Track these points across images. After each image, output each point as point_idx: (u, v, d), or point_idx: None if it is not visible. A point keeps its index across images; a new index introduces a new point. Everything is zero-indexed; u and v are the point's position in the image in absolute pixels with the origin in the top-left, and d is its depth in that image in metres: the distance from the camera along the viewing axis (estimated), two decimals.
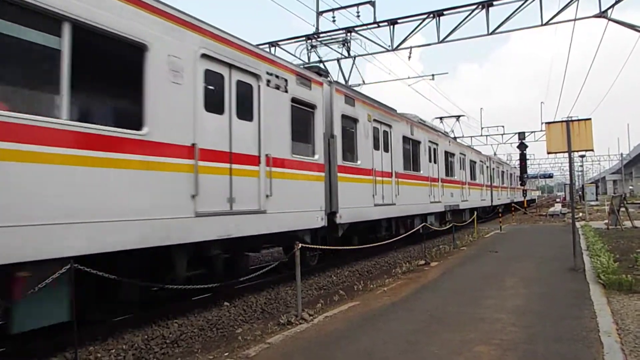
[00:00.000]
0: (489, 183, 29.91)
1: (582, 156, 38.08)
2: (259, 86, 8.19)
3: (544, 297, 7.52)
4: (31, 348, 5.34)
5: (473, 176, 25.32)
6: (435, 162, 18.39)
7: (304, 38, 18.16)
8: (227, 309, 7.61)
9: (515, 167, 45.29)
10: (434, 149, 18.45)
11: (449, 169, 20.56)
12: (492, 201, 30.30)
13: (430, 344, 5.29)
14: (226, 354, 5.43)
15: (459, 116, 30.31)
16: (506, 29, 16.01)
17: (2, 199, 4.46)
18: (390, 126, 13.95)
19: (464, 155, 23.70)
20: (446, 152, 20.25)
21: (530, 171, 58.38)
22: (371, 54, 18.66)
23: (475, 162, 26.12)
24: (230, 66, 7.58)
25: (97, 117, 6.04)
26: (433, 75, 24.13)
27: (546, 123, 10.56)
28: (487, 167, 29.72)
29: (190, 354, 5.73)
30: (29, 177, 4.68)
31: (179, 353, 5.80)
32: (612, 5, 14.42)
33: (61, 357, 5.31)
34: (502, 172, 35.90)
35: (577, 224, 14.91)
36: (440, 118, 29.01)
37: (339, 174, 10.71)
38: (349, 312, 7.01)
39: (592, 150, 10.44)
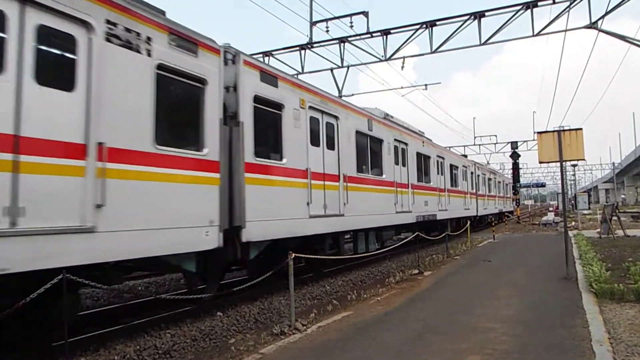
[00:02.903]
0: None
1: (574, 165, 38.33)
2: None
3: (536, 306, 7.56)
4: (20, 357, 5.28)
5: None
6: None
7: (297, 48, 18.25)
8: (220, 318, 7.56)
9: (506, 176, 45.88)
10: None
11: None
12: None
13: (423, 353, 5.30)
14: None
15: None
16: (498, 39, 16.24)
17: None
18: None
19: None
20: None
21: (523, 180, 58.78)
22: (364, 63, 18.85)
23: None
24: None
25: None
26: (426, 85, 24.22)
27: (538, 133, 10.67)
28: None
29: None
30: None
31: None
32: (602, 17, 14.63)
33: None
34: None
35: (570, 233, 14.97)
36: None
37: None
38: (342, 322, 7.01)
39: (584, 159, 10.57)
